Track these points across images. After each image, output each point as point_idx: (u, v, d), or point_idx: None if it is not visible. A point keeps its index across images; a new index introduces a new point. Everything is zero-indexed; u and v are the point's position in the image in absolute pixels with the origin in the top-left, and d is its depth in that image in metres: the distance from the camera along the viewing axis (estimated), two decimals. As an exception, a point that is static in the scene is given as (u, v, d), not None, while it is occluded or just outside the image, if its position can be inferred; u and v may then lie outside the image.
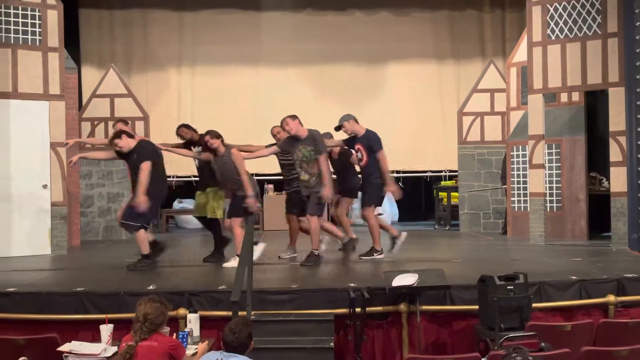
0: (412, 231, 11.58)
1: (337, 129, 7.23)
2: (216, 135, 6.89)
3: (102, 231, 10.65)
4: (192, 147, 7.44)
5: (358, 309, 5.11)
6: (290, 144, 6.87)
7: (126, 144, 6.73)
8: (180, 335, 4.28)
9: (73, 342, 4.29)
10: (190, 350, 4.18)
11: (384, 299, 5.30)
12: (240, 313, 4.68)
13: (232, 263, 6.73)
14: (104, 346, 4.22)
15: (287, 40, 12.37)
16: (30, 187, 8.05)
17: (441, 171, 12.54)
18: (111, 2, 12.40)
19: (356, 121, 7.19)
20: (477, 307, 5.16)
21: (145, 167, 6.58)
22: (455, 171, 11.57)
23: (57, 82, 8.38)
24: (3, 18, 8.11)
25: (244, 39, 12.31)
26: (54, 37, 8.41)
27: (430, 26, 12.67)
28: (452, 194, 11.73)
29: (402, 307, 5.27)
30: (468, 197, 11.00)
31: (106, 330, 4.37)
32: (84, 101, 11.10)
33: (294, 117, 6.83)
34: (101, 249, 9.09)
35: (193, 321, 4.64)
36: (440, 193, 12.17)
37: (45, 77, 8.32)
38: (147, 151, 6.73)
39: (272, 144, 7.38)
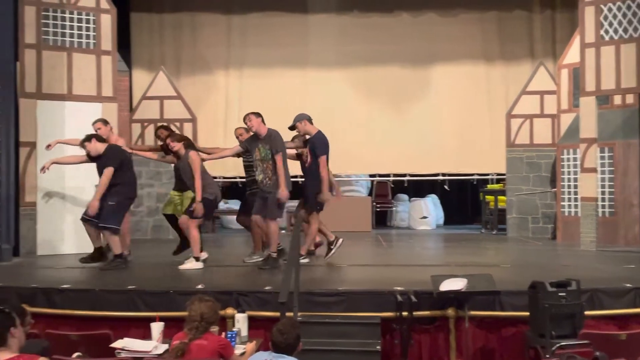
0: (458, 235, 11.54)
1: (291, 128, 7.21)
2: (178, 138, 7.07)
3: (151, 230, 10.85)
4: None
5: (405, 313, 5.08)
6: (250, 143, 6.91)
7: (94, 148, 6.93)
8: (229, 335, 4.33)
9: (125, 338, 4.38)
10: (238, 349, 4.22)
11: (432, 303, 5.25)
12: (287, 314, 4.70)
13: (188, 265, 6.88)
14: (155, 343, 4.30)
15: (333, 42, 12.38)
16: (83, 186, 8.24)
17: (488, 174, 12.35)
18: (161, 6, 12.62)
19: (310, 121, 7.16)
20: (527, 313, 5.06)
21: (107, 172, 6.82)
22: (503, 174, 11.39)
23: (109, 85, 8.61)
24: (59, 22, 8.37)
25: (291, 42, 12.36)
26: (107, 40, 8.63)
27: (478, 27, 12.48)
28: (500, 197, 11.54)
29: (450, 312, 5.21)
30: (516, 201, 10.80)
31: (157, 328, 4.46)
32: (135, 103, 11.35)
33: (257, 114, 6.84)
34: (150, 248, 9.27)
35: (241, 321, 4.69)
36: (487, 196, 11.99)
37: (99, 80, 8.56)
38: (114, 157, 6.91)
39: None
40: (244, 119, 6.97)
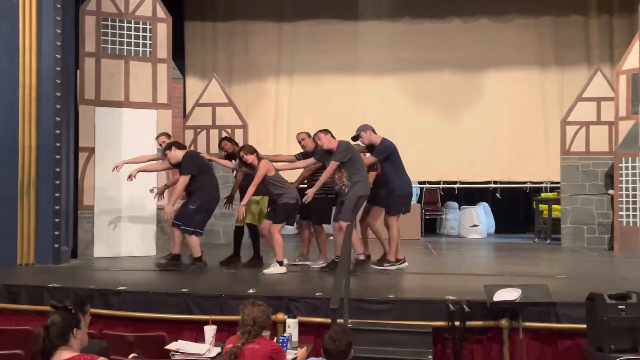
0: (510, 244, 11.31)
1: (354, 138, 7.20)
2: (250, 150, 7.12)
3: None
4: (233, 160, 7.67)
5: (457, 323, 5.00)
6: (325, 157, 7.01)
7: (173, 155, 7.17)
8: (281, 340, 4.35)
9: (179, 341, 4.46)
10: (289, 355, 4.23)
11: (485, 313, 5.15)
12: (337, 320, 4.69)
13: (272, 269, 6.92)
14: (208, 346, 4.36)
15: (384, 48, 12.37)
16: (139, 191, 8.44)
17: (542, 182, 12.08)
18: (215, 15, 12.86)
19: (374, 131, 7.16)
20: (584, 326, 4.92)
21: (181, 179, 7.04)
22: (557, 183, 11.13)
23: (164, 92, 8.82)
24: (117, 31, 8.63)
25: (341, 49, 12.41)
26: (163, 48, 8.85)
27: (533, 32, 12.25)
28: (554, 206, 11.27)
29: (504, 322, 5.10)
30: (571, 210, 10.53)
31: (210, 331, 4.52)
32: (188, 110, 11.57)
33: (325, 131, 6.97)
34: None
35: (292, 326, 4.71)
36: (540, 205, 11.72)
37: (154, 87, 8.78)
38: (190, 164, 7.09)
39: (300, 153, 7.54)
40: (313, 138, 7.11)
